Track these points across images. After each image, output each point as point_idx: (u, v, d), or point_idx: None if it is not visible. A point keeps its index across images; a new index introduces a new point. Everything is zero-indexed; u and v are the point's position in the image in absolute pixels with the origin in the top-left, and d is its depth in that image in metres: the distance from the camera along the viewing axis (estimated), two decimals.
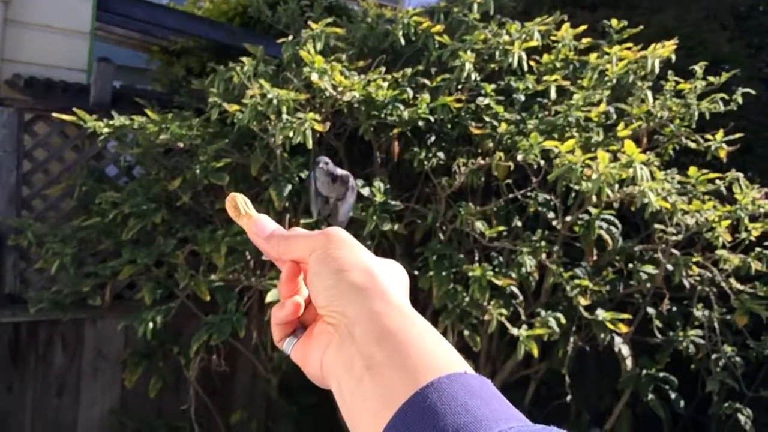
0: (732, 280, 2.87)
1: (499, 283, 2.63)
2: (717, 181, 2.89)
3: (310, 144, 2.56)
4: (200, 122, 3.07)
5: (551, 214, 2.90)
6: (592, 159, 2.55)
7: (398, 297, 0.53)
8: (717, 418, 3.45)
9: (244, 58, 2.94)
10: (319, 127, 2.61)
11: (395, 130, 2.89)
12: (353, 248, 0.55)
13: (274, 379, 3.46)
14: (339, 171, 1.47)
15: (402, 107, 2.80)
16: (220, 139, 2.97)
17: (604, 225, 2.83)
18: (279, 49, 3.05)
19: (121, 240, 2.99)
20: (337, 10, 3.75)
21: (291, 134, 2.57)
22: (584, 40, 3.14)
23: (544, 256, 2.76)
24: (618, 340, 2.89)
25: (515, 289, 2.76)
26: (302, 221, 2.66)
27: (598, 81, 2.97)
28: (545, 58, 3.08)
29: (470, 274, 2.63)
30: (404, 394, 0.46)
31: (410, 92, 2.85)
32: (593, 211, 2.81)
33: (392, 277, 0.54)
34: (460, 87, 2.96)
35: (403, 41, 3.05)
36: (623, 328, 2.79)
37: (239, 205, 0.63)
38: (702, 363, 3.00)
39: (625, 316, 2.80)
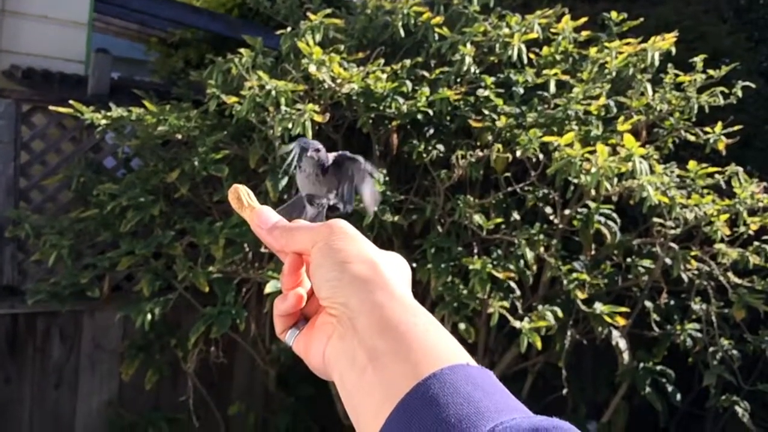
0: (730, 274, 2.88)
1: (499, 275, 2.63)
2: (716, 175, 2.89)
3: (309, 135, 2.55)
4: (198, 114, 3.06)
5: (549, 209, 2.91)
6: (591, 153, 2.55)
7: (401, 289, 0.53)
8: (714, 412, 3.47)
9: (242, 50, 2.93)
10: (318, 118, 2.60)
11: (394, 123, 2.88)
12: (356, 240, 0.55)
13: (272, 371, 3.47)
14: (331, 156, 1.04)
15: (401, 99, 2.80)
16: (218, 131, 2.96)
17: (603, 219, 2.83)
18: (277, 41, 3.04)
19: (119, 232, 2.98)
20: (336, 1, 3.73)
21: (290, 126, 2.56)
22: (584, 33, 3.13)
23: (542, 249, 2.77)
24: (615, 333, 2.89)
25: (513, 284, 2.77)
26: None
27: (598, 74, 2.96)
28: (545, 50, 3.07)
29: (470, 267, 2.64)
30: (407, 386, 0.46)
31: (409, 84, 2.84)
32: (592, 204, 2.81)
33: (395, 269, 0.54)
34: (459, 79, 2.95)
35: (402, 33, 3.04)
36: (620, 321, 2.80)
37: (242, 196, 0.63)
38: (699, 356, 3.01)
39: (623, 309, 2.81)
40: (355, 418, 0.49)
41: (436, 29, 3.03)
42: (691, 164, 2.88)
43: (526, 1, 4.23)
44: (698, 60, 2.98)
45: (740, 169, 2.87)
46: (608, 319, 2.77)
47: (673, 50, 3.02)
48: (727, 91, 2.96)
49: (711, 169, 2.87)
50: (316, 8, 3.17)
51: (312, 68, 2.69)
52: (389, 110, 2.81)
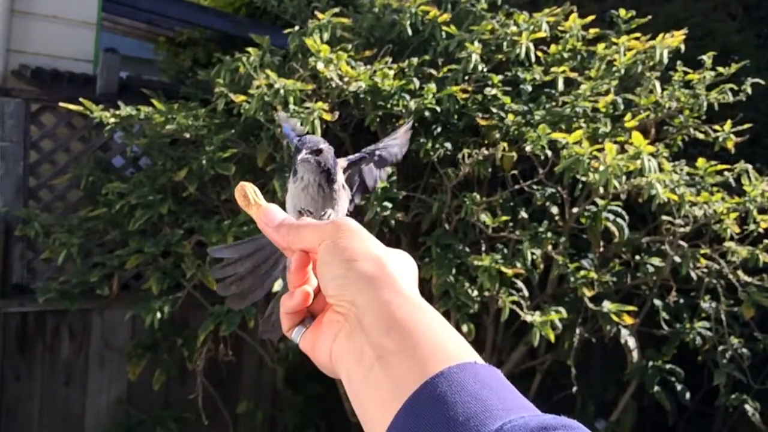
0: (739, 272, 2.86)
1: (508, 272, 2.63)
2: (725, 173, 2.87)
3: (318, 134, 2.55)
4: (206, 113, 3.07)
5: (555, 209, 2.90)
6: (600, 151, 2.54)
7: (408, 286, 0.52)
8: (723, 410, 3.45)
9: (250, 49, 2.93)
10: (327, 117, 2.61)
11: (401, 121, 2.88)
12: (363, 238, 0.54)
13: (280, 369, 3.47)
14: (343, 161, 0.81)
15: (408, 97, 2.79)
16: (226, 130, 2.96)
17: (611, 216, 2.82)
18: (285, 40, 3.04)
19: (127, 230, 3.00)
20: None
21: (298, 124, 2.56)
22: (592, 31, 3.12)
23: (550, 247, 2.76)
24: (624, 332, 2.88)
25: (519, 282, 2.76)
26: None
27: (606, 71, 2.95)
28: (553, 48, 3.06)
29: (477, 263, 2.63)
30: (414, 384, 0.46)
31: (417, 82, 2.84)
32: (600, 202, 2.80)
33: (402, 267, 0.54)
34: (466, 77, 2.94)
35: (410, 31, 3.03)
36: (628, 320, 2.79)
37: (249, 194, 0.63)
38: (709, 355, 2.99)
39: (631, 307, 2.79)
40: (363, 415, 0.49)
41: (444, 27, 3.03)
42: (700, 162, 2.87)
43: None
44: (707, 57, 2.97)
45: (749, 167, 2.86)
46: (616, 318, 2.76)
47: (683, 47, 3.00)
48: (736, 88, 2.94)
49: (720, 167, 2.85)
50: (324, 7, 3.17)
51: (320, 67, 2.69)
52: (397, 108, 2.81)
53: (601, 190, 2.60)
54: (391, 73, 2.78)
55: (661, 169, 2.64)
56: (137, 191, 2.97)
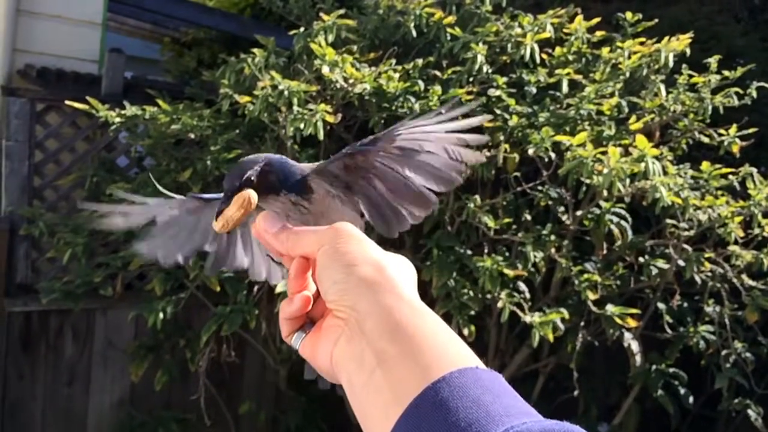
0: (744, 277, 2.85)
1: (509, 273, 2.62)
2: (730, 177, 2.87)
3: (321, 135, 2.55)
4: (211, 113, 3.07)
5: (561, 208, 2.89)
6: (604, 153, 2.54)
7: (408, 291, 0.52)
8: (726, 415, 3.44)
9: (255, 50, 2.94)
10: (330, 119, 2.61)
11: None
12: (362, 242, 0.54)
13: (283, 370, 3.47)
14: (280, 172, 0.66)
15: (413, 99, 2.79)
16: (230, 131, 2.97)
17: (615, 219, 2.81)
18: (290, 41, 3.04)
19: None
20: (348, 1, 3.73)
21: (302, 126, 2.56)
22: (597, 33, 3.11)
23: (553, 250, 2.75)
24: (627, 335, 2.88)
25: (521, 284, 2.76)
26: None
27: (611, 74, 2.94)
28: (557, 50, 3.06)
29: (479, 264, 2.63)
30: (416, 389, 0.46)
31: (421, 84, 2.84)
32: (604, 205, 2.79)
33: (401, 272, 0.54)
34: (471, 79, 2.94)
35: (414, 33, 3.03)
36: (631, 323, 2.78)
37: (253, 202, 0.63)
38: (712, 359, 2.99)
39: (634, 311, 2.79)
40: (364, 420, 0.49)
41: (448, 29, 3.03)
42: (705, 165, 2.86)
43: (538, 1, 4.21)
44: (712, 61, 2.96)
45: (754, 170, 2.85)
46: (619, 321, 2.75)
47: (688, 51, 3.00)
48: (741, 92, 2.93)
49: (725, 170, 2.84)
50: (329, 8, 3.17)
51: (325, 69, 2.69)
52: (401, 110, 2.81)
53: (605, 192, 2.60)
54: (396, 75, 2.78)
55: (665, 173, 2.63)
56: (141, 191, 2.97)
